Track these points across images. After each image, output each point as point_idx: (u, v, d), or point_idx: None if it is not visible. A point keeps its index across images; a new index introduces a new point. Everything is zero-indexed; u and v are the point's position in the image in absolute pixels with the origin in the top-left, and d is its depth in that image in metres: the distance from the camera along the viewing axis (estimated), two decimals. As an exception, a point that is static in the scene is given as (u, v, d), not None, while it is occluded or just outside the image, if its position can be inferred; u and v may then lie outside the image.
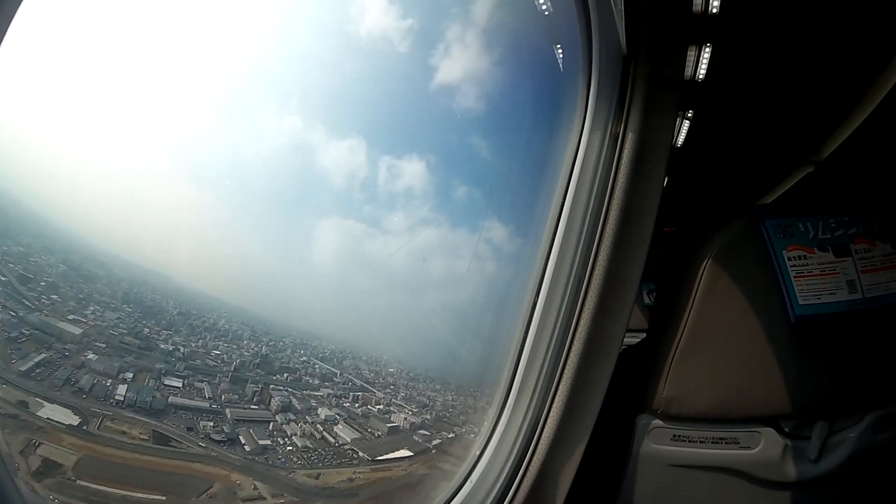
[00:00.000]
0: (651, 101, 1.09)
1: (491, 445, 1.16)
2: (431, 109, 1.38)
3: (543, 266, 1.17)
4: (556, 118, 1.22)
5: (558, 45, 1.25)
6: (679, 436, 1.15)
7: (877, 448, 1.12)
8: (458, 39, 1.33)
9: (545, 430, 1.11)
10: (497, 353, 1.25)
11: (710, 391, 1.13)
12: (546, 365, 1.14)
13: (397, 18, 1.29)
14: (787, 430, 1.13)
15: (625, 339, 1.12)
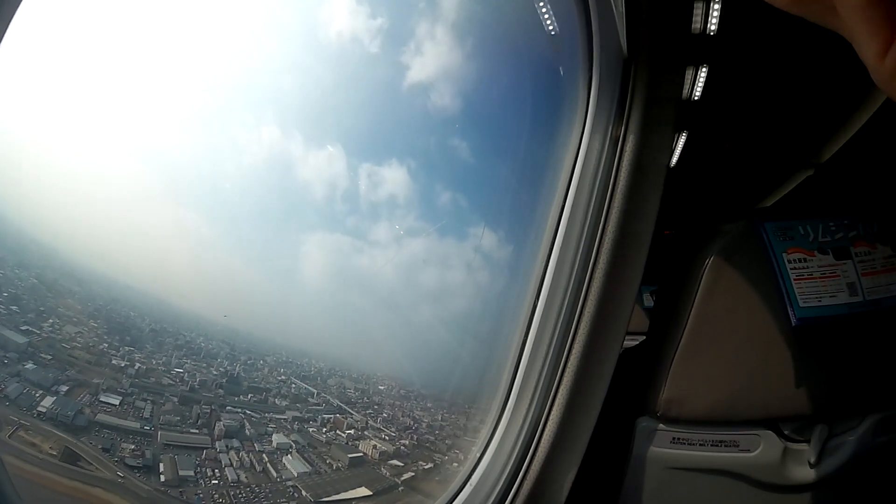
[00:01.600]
0: (652, 104, 1.09)
1: (491, 447, 1.15)
2: (430, 113, 1.38)
3: (544, 268, 1.17)
4: (557, 120, 1.22)
5: (558, 48, 1.25)
6: (679, 438, 1.15)
7: (876, 451, 1.12)
8: (457, 42, 1.33)
9: (545, 433, 1.11)
10: (497, 356, 1.25)
11: (709, 394, 1.13)
12: (546, 367, 1.14)
13: (395, 21, 1.29)
14: (786, 432, 1.13)
15: (625, 342, 1.12)
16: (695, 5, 1.13)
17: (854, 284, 1.09)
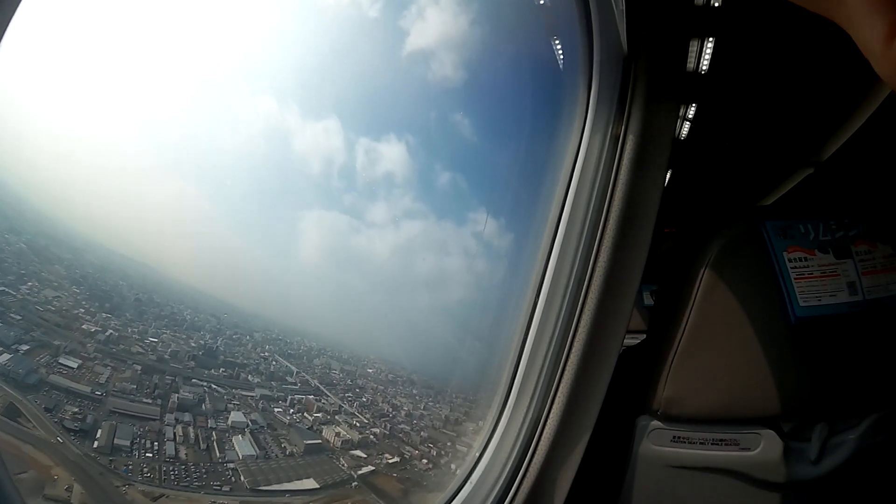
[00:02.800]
0: (652, 102, 1.09)
1: (491, 446, 1.15)
2: (429, 111, 1.38)
3: (544, 267, 1.17)
4: (557, 119, 1.22)
5: (558, 46, 1.25)
6: (679, 437, 1.15)
7: (877, 450, 1.12)
8: (457, 41, 1.33)
9: (545, 431, 1.11)
10: (496, 354, 1.25)
11: (710, 392, 1.13)
12: (546, 365, 1.14)
13: (396, 18, 1.29)
14: (786, 431, 1.13)
15: (625, 341, 1.12)
16: (695, 4, 1.13)
17: (854, 283, 1.09)
